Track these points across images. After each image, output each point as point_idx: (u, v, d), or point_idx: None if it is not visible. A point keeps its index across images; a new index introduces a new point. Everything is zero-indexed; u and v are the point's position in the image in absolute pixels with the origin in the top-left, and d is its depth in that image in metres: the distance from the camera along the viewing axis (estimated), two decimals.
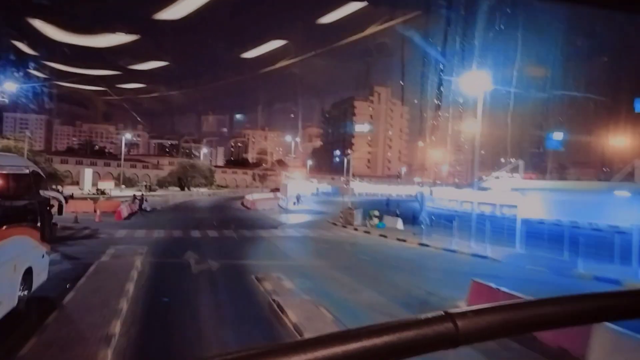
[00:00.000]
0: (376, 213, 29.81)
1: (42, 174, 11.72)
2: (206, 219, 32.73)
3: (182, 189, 70.77)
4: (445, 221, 26.38)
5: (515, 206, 23.12)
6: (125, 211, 31.06)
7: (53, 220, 22.52)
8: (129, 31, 63.76)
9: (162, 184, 72.92)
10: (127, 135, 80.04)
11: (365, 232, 26.47)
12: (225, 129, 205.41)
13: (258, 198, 52.19)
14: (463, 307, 0.81)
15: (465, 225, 22.66)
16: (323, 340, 0.67)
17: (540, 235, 21.07)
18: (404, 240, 23.23)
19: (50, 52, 55.13)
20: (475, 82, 21.23)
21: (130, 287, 11.76)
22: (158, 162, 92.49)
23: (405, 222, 28.67)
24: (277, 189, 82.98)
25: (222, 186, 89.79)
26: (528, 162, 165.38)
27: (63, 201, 12.71)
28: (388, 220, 29.15)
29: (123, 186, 58.54)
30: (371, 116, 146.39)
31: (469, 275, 16.26)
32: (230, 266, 15.59)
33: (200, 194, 61.58)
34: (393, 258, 19.19)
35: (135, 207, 34.84)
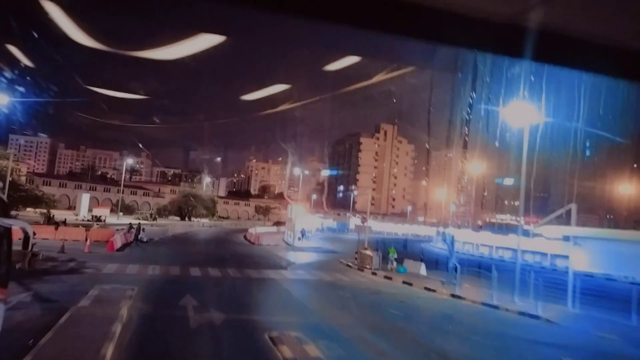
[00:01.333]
0: (395, 256, 26.86)
1: (2, 197, 8.99)
2: (207, 254, 29.68)
3: (183, 218, 67.80)
4: (475, 269, 23.41)
5: (564, 256, 20.23)
6: (119, 241, 28.10)
7: (35, 250, 19.72)
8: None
9: (162, 212, 70.02)
10: (129, 161, 77.44)
11: (386, 277, 23.38)
12: (228, 161, 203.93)
13: (262, 232, 49.15)
14: None
15: (502, 276, 19.64)
16: None
17: (592, 291, 18.06)
18: (433, 290, 20.16)
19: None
20: (521, 114, 18.75)
21: (108, 353, 8.80)
22: (159, 189, 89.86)
23: (427, 267, 25.73)
24: (280, 223, 79.86)
25: (223, 217, 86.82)
26: (532, 206, 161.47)
27: (30, 232, 9.87)
28: (409, 264, 26.14)
29: (121, 213, 55.69)
30: (377, 153, 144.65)
31: (529, 344, 13.30)
32: (237, 320, 12.59)
33: (201, 225, 58.60)
34: (428, 315, 16.16)
35: (131, 237, 31.87)
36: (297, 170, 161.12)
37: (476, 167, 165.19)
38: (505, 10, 1.57)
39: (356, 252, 28.40)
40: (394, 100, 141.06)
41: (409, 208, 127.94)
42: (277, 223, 79.26)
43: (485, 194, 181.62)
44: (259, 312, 14.01)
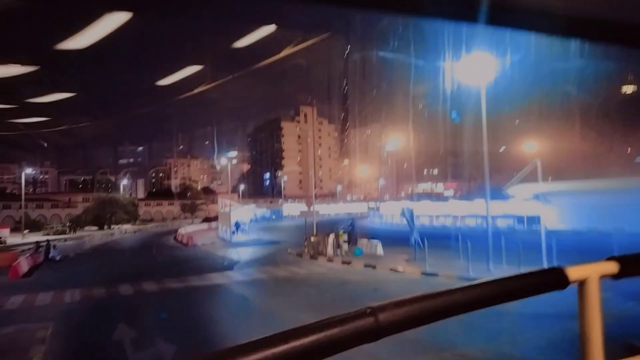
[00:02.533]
0: (345, 237, 24.83)
1: None
2: (137, 265, 25.75)
3: (102, 227, 61.48)
4: (438, 242, 21.92)
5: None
6: (24, 265, 23.45)
7: None
8: (28, 62, 55.14)
9: (77, 224, 63.05)
10: (28, 170, 68.17)
11: (345, 263, 21.23)
12: (143, 159, 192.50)
13: (193, 231, 45.22)
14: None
15: (472, 246, 18.16)
16: (252, 346, 0.68)
17: (573, 248, 17.13)
18: (401, 271, 18.32)
19: None
20: (475, 69, 17.13)
21: None
22: (70, 199, 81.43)
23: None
24: (210, 219, 75.44)
25: (147, 221, 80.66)
26: (448, 172, 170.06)
27: None
28: (363, 244, 24.22)
29: (26, 231, 48.80)
30: (299, 136, 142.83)
31: (543, 317, 11.67)
32: (194, 350, 9.72)
33: (123, 232, 53.08)
34: None
35: (40, 257, 27.09)
36: (222, 161, 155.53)
37: (394, 140, 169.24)
38: None
39: (305, 240, 25.99)
40: (308, 75, 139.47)
41: (338, 187, 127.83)
42: (207, 219, 74.84)
43: (405, 165, 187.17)
44: (217, 334, 11.13)
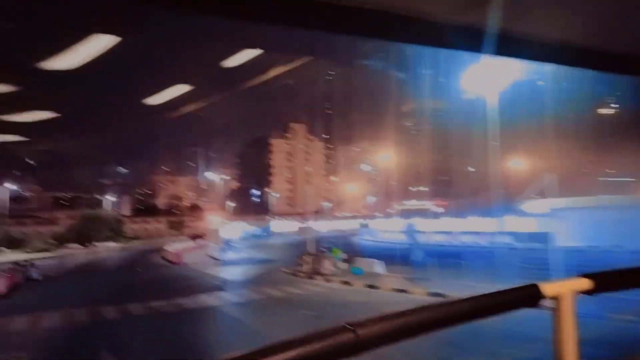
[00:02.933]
0: (342, 256, 23.84)
1: None
2: (123, 285, 24.32)
3: (84, 245, 59.52)
4: (436, 260, 21.01)
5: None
6: (1, 286, 21.96)
7: None
8: (10, 80, 53.97)
9: (59, 241, 61.00)
10: (11, 187, 65.88)
11: (344, 282, 20.15)
12: (129, 177, 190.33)
13: (181, 248, 43.79)
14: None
15: (476, 264, 17.31)
16: None
17: (585, 265, 16.33)
18: (404, 291, 17.32)
19: None
20: (487, 77, 16.46)
21: None
22: (53, 216, 79.19)
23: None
24: (197, 236, 73.76)
25: (132, 238, 78.65)
26: (437, 190, 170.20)
27: None
28: (362, 263, 23.18)
29: (5, 249, 46.85)
30: (289, 153, 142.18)
31: None
32: None
33: (109, 250, 51.29)
34: None
35: (19, 277, 25.52)
36: (209, 178, 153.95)
37: (382, 157, 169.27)
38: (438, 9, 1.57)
39: (299, 258, 24.88)
40: (297, 95, 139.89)
41: (328, 204, 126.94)
42: (194, 236, 73.10)
43: (393, 182, 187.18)
44: None
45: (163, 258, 38.80)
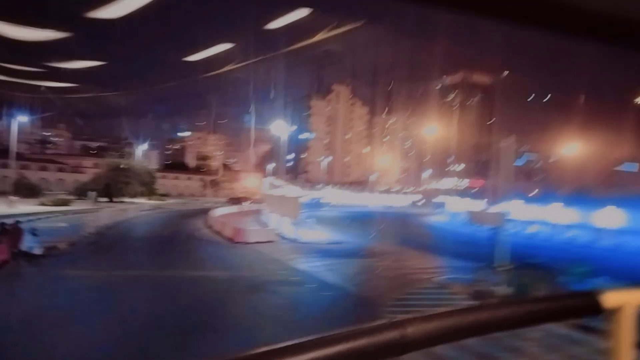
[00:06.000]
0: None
1: None
2: (170, 284, 13.98)
3: (111, 199, 50.17)
4: None
5: None
6: None
7: None
8: (62, 28, 50.16)
9: (82, 192, 51.87)
10: (21, 118, 54.93)
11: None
12: (162, 132, 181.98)
13: (234, 218, 33.81)
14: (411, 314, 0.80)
15: None
16: (273, 354, 0.64)
17: None
18: None
19: None
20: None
21: None
22: (79, 163, 70.34)
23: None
24: (237, 199, 63.96)
25: (164, 195, 69.41)
26: (474, 168, 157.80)
27: None
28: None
29: (15, 198, 37.22)
30: (329, 117, 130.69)
31: None
32: None
33: (139, 209, 41.55)
34: None
35: (6, 251, 15.58)
36: (242, 138, 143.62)
37: (430, 129, 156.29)
38: None
39: (491, 268, 14.14)
40: (341, 59, 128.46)
41: (373, 175, 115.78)
42: (234, 200, 63.41)
43: (426, 158, 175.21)
44: None
45: (210, 228, 28.79)
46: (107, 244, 21.94)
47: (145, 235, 25.59)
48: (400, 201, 78.93)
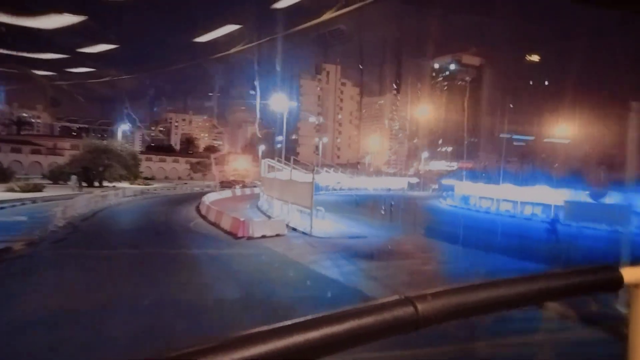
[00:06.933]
0: None
1: None
2: (160, 301, 9.78)
3: (91, 184, 45.35)
4: None
5: None
6: None
7: None
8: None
9: (58, 176, 46.94)
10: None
11: None
12: (148, 113, 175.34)
13: (230, 204, 29.49)
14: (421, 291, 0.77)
15: None
16: (283, 330, 0.63)
17: None
18: None
19: None
20: None
21: None
22: (55, 144, 64.85)
23: None
24: (227, 183, 59.49)
25: (148, 179, 64.47)
26: (463, 151, 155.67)
27: None
28: None
29: None
30: (319, 97, 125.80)
31: None
32: None
33: (121, 195, 36.82)
34: None
35: None
36: (237, 117, 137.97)
37: (421, 110, 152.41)
38: None
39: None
40: (347, 41, 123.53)
41: (367, 157, 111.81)
42: (225, 183, 58.95)
43: (416, 140, 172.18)
44: None
45: (210, 222, 24.50)
46: (78, 241, 17.52)
47: (128, 228, 21.13)
48: (396, 184, 75.15)
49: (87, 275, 12.13)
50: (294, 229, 21.01)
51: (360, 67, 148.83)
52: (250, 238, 18.65)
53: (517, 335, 7.48)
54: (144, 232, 20.51)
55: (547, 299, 0.91)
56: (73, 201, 25.97)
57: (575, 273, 0.94)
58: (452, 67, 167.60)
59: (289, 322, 0.64)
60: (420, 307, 0.73)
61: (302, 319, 0.65)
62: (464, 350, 6.79)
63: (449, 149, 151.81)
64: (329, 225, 22.51)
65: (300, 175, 30.04)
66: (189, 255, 14.63)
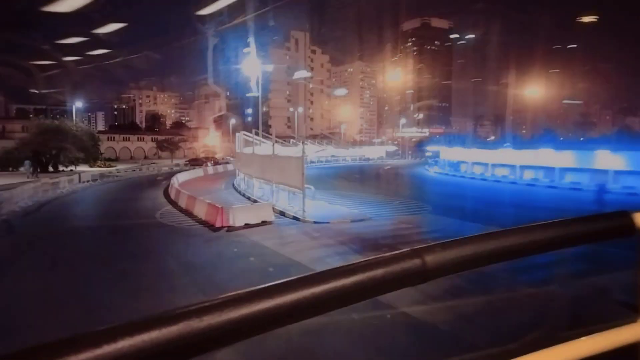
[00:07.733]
0: None
1: None
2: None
3: (45, 169, 40.25)
4: None
5: None
6: None
7: None
8: None
9: (6, 162, 41.61)
10: None
11: None
12: (109, 90, 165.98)
13: (205, 186, 25.51)
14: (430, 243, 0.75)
15: None
16: (291, 285, 0.62)
17: None
18: None
19: None
20: None
21: None
22: (4, 127, 58.56)
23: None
24: (197, 161, 54.96)
25: (111, 160, 59.18)
26: (435, 117, 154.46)
27: None
28: None
29: None
30: (288, 67, 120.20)
31: None
32: None
33: (76, 181, 32.07)
34: None
35: None
36: (204, 92, 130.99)
37: (391, 76, 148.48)
38: None
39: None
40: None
41: (344, 127, 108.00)
42: (194, 161, 54.43)
43: (387, 108, 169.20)
44: None
45: (174, 205, 20.57)
46: (10, 247, 13.43)
47: (77, 227, 16.95)
48: (374, 152, 72.02)
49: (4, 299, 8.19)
50: (282, 214, 17.37)
51: (330, 33, 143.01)
52: (231, 229, 14.93)
53: None
54: (95, 231, 16.42)
55: (558, 246, 0.87)
56: (13, 192, 21.51)
57: (586, 220, 0.90)
58: (421, 31, 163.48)
59: (296, 277, 0.63)
60: (428, 258, 0.72)
61: (310, 274, 0.65)
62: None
63: (420, 115, 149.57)
64: (323, 206, 18.97)
65: (284, 150, 26.27)
66: (150, 270, 10.78)
